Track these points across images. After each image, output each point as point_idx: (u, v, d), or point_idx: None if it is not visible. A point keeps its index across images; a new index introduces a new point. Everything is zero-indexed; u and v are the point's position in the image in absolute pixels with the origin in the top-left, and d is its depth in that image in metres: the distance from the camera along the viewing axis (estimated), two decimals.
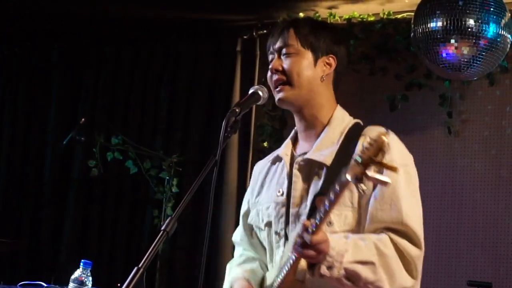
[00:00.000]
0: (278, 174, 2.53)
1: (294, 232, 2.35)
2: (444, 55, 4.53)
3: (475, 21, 4.42)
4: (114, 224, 5.93)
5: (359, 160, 1.98)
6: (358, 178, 1.99)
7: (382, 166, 1.97)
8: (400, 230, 2.29)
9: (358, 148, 2.11)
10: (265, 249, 2.55)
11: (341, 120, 2.47)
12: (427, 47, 4.57)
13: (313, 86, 2.44)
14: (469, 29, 4.42)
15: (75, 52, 6.30)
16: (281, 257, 2.41)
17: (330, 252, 2.18)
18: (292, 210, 2.41)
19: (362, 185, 2.00)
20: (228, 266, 2.69)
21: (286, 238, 2.41)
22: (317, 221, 2.14)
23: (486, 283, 4.52)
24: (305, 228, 2.16)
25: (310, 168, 2.42)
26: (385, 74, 5.32)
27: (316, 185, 2.37)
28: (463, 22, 4.42)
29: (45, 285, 4.05)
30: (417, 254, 2.30)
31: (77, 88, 6.27)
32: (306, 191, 2.40)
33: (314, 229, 2.14)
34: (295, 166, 2.44)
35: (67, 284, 2.95)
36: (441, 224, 5.04)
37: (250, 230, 2.64)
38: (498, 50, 4.52)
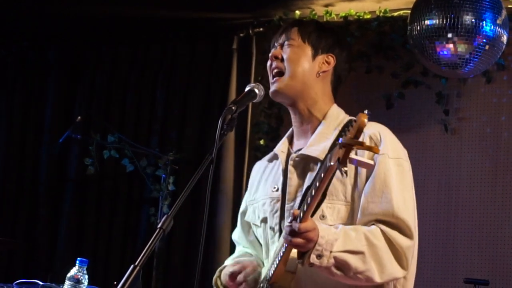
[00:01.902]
0: (274, 171, 2.56)
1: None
2: (440, 52, 4.53)
3: (471, 19, 4.42)
4: (111, 222, 5.92)
5: (341, 142, 2.00)
6: (341, 161, 2.00)
7: (362, 146, 1.99)
8: (391, 222, 2.30)
9: None
10: (261, 246, 2.58)
11: (336, 117, 2.51)
12: (424, 44, 4.57)
13: (307, 79, 2.49)
14: (466, 27, 4.42)
15: (72, 51, 6.29)
16: (275, 252, 2.42)
17: (319, 241, 2.20)
18: (287, 206, 2.44)
19: (344, 168, 2.01)
20: (226, 262, 2.73)
21: (281, 233, 2.42)
22: (304, 209, 2.17)
23: (483, 281, 4.53)
24: (293, 217, 2.19)
25: (305, 164, 2.45)
26: (382, 72, 5.32)
27: (310, 179, 2.39)
28: (460, 20, 4.42)
29: (41, 283, 4.03)
30: (407, 244, 2.30)
31: (74, 88, 6.25)
32: (301, 186, 2.43)
33: (301, 217, 2.17)
34: (290, 162, 2.48)
35: (63, 282, 2.94)
36: (437, 222, 5.04)
37: (247, 228, 2.68)
38: (495, 48, 4.52)
